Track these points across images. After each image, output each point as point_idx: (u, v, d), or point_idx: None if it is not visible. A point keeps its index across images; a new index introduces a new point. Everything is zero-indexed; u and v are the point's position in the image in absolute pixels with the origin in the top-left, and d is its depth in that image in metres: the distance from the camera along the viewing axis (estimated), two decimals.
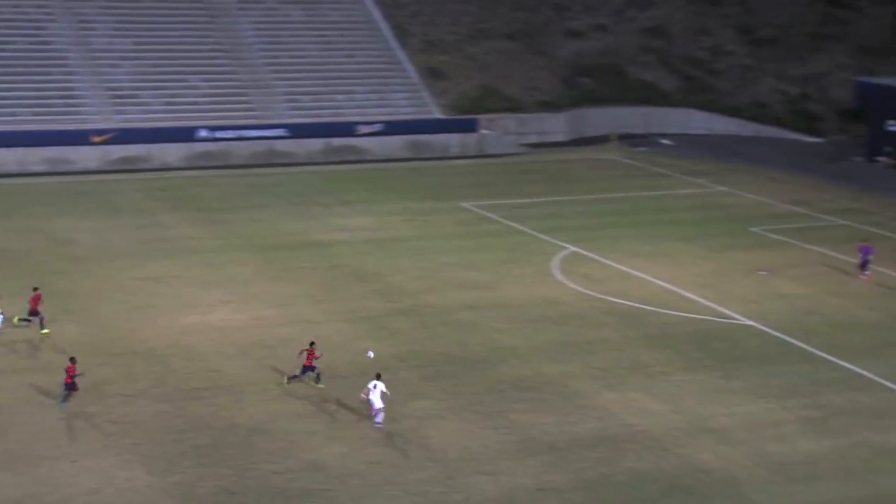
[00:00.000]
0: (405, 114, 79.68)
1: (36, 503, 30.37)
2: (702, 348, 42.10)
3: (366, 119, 77.80)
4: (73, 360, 35.98)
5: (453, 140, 78.65)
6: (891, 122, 76.55)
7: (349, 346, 41.72)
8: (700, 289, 49.03)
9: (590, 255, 54.23)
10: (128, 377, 37.95)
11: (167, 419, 35.34)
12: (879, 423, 35.91)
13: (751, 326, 44.70)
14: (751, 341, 43.06)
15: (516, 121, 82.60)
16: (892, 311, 46.70)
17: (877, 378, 39.53)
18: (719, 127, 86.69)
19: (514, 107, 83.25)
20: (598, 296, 48.05)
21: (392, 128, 77.55)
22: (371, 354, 38.15)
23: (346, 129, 76.86)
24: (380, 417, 34.95)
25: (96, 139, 71.94)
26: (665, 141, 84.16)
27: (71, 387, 35.53)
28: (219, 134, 74.52)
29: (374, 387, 35.10)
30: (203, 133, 74.29)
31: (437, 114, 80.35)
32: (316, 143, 76.00)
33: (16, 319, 41.74)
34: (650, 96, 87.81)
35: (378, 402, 34.94)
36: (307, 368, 37.63)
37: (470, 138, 79.05)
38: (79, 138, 71.59)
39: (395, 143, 77.30)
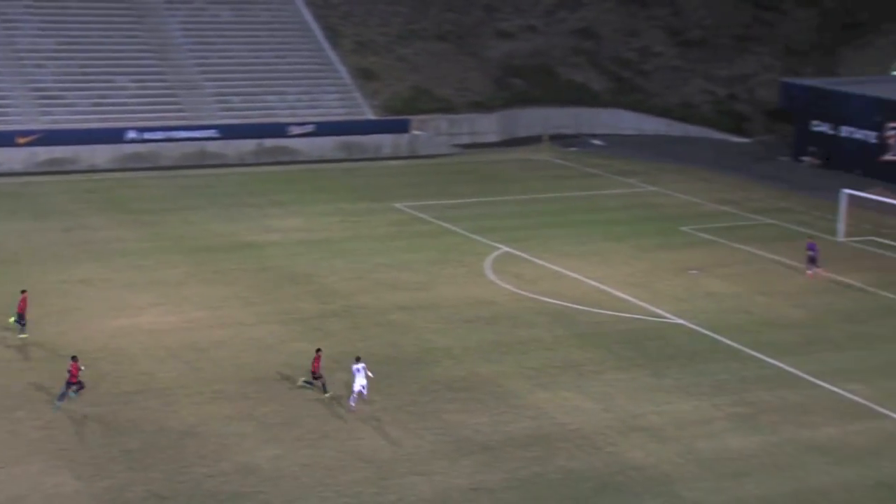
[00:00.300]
0: (337, 115, 79.46)
1: None
2: (633, 347, 42.52)
3: (297, 120, 77.47)
4: (74, 358, 35.95)
5: (385, 141, 78.61)
6: (816, 122, 77.86)
7: (282, 349, 41.54)
8: (631, 288, 49.51)
9: (522, 255, 54.51)
10: (56, 382, 37.40)
11: (96, 423, 34.91)
12: (806, 420, 36.54)
13: (681, 325, 45.24)
14: (681, 339, 43.58)
15: (448, 121, 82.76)
16: (819, 308, 47.53)
17: (804, 375, 40.21)
18: (649, 127, 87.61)
19: (445, 107, 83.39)
20: (531, 296, 48.32)
21: (324, 129, 77.31)
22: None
23: (278, 130, 76.48)
24: (352, 399, 36.11)
25: (21, 140, 70.84)
26: (596, 141, 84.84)
27: (78, 385, 35.56)
28: (148, 135, 73.77)
29: (358, 371, 36.17)
30: (131, 134, 73.48)
31: (369, 114, 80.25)
32: (247, 144, 75.52)
33: (11, 320, 41.36)
34: (581, 97, 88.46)
35: (359, 385, 36.01)
36: (315, 376, 37.34)
37: (402, 139, 79.06)
38: (4, 140, 70.48)
39: (327, 144, 77.06)
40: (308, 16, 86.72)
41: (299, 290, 48.33)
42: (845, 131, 75.79)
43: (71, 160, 71.29)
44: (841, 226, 58.32)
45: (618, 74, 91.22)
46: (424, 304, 46.80)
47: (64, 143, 71.40)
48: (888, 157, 72.42)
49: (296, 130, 76.75)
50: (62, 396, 35.74)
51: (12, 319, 41.63)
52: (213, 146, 74.71)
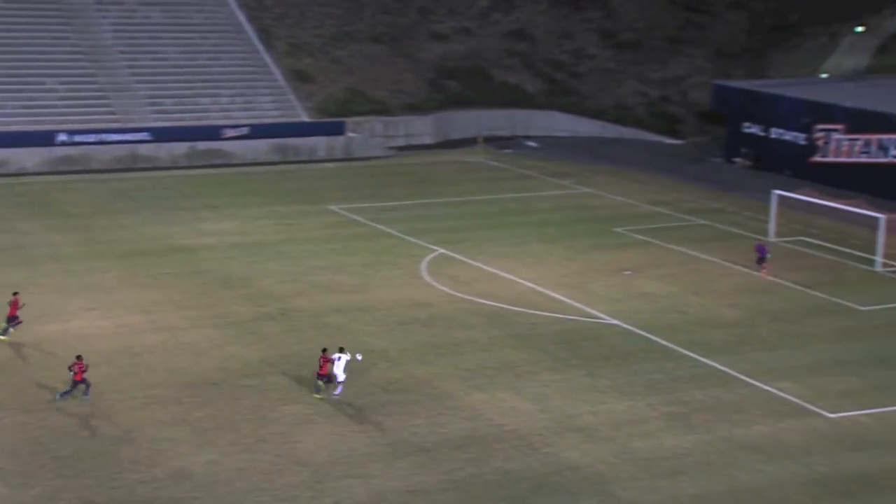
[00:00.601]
0: (271, 117, 79.07)
1: None
2: (568, 348, 42.77)
3: (231, 122, 76.98)
4: (79, 357, 36.29)
5: (320, 143, 78.35)
6: (747, 124, 78.89)
7: (216, 353, 41.23)
8: (566, 289, 49.81)
9: (457, 256, 54.61)
10: None
11: (27, 431, 34.39)
12: (739, 418, 37.00)
13: (615, 325, 45.59)
14: (616, 340, 43.92)
15: (383, 123, 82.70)
16: (751, 308, 48.16)
17: (736, 374, 40.72)
18: (583, 129, 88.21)
19: (380, 109, 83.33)
20: (466, 297, 48.41)
21: (258, 131, 76.89)
22: (359, 357, 38.33)
23: (212, 133, 75.91)
24: (339, 389, 36.78)
25: None
26: (530, 143, 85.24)
27: (83, 382, 35.99)
28: (78, 138, 72.84)
29: (339, 358, 36.83)
30: (62, 137, 72.54)
31: (304, 117, 79.93)
32: (180, 147, 74.86)
33: (11, 330, 41.31)
34: (515, 99, 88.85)
35: (341, 375, 36.72)
36: (322, 377, 37.35)
37: (337, 141, 78.86)
38: None
39: (261, 147, 76.63)
40: (241, 18, 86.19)
41: (233, 293, 47.99)
42: (775, 133, 76.91)
43: (0, 163, 70.16)
44: (772, 226, 59.16)
45: (551, 76, 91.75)
46: (360, 307, 46.71)
47: None
48: (817, 158, 73.62)
49: (229, 133, 76.23)
50: (65, 394, 36.08)
51: (12, 329, 41.55)
52: (145, 149, 73.97)
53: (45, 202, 63.22)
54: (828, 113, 73.74)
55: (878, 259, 54.21)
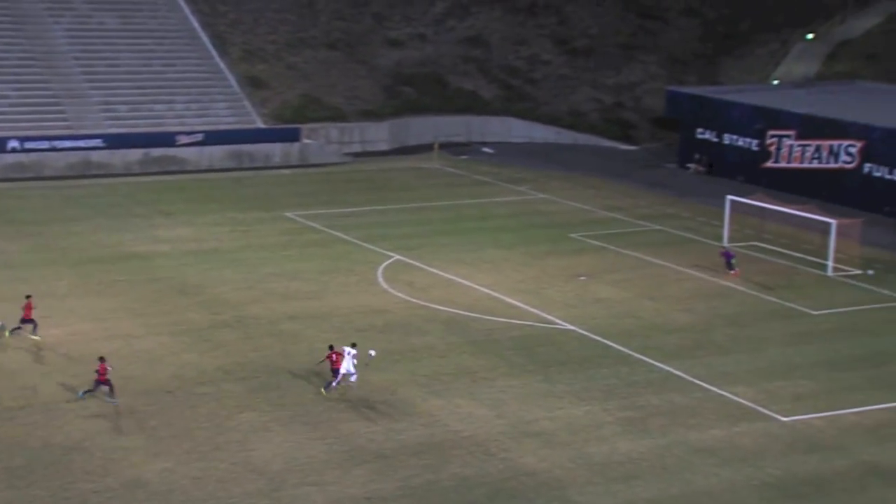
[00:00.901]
0: (226, 123, 78.65)
1: None
2: (524, 353, 42.84)
3: (186, 129, 76.47)
4: (102, 359, 36.95)
5: (276, 150, 78.03)
6: (700, 129, 79.48)
7: (171, 360, 40.92)
8: (522, 295, 49.91)
9: (414, 263, 54.58)
10: None
11: None
12: (694, 422, 37.22)
13: (571, 331, 45.74)
14: (572, 345, 44.06)
15: (339, 130, 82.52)
16: (705, 313, 48.49)
17: (691, 378, 40.97)
18: (538, 135, 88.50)
19: (336, 116, 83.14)
20: (423, 303, 48.38)
21: (213, 138, 76.44)
22: (373, 353, 39.10)
23: (166, 140, 75.38)
24: (334, 383, 37.76)
25: None
26: (486, 149, 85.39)
27: (106, 384, 36.61)
28: (30, 145, 72.06)
29: (349, 353, 37.74)
30: (13, 144, 71.75)
31: (259, 123, 79.58)
32: (134, 154, 74.28)
33: (7, 334, 42.02)
34: (471, 105, 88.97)
35: (351, 369, 37.67)
36: (336, 371, 37.97)
37: (292, 148, 78.58)
38: None
39: (216, 153, 76.20)
40: (195, 24, 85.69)
41: (189, 300, 47.66)
42: (728, 139, 77.54)
43: None
44: (725, 231, 59.61)
45: (507, 82, 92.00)
46: (316, 314, 46.54)
47: None
48: (770, 164, 74.30)
49: (184, 139, 75.74)
50: (87, 392, 36.79)
51: (8, 333, 42.18)
52: (98, 156, 73.31)
53: None
54: (779, 119, 74.46)
55: (830, 264, 54.79)
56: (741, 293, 51.28)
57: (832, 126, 71.41)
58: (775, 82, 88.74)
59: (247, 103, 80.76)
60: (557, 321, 46.72)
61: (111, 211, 63.15)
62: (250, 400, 37.75)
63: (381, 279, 51.87)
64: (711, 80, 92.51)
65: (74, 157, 72.69)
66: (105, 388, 36.89)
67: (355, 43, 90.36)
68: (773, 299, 50.53)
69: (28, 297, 42.66)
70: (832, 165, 71.06)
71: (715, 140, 78.49)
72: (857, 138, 69.76)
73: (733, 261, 53.65)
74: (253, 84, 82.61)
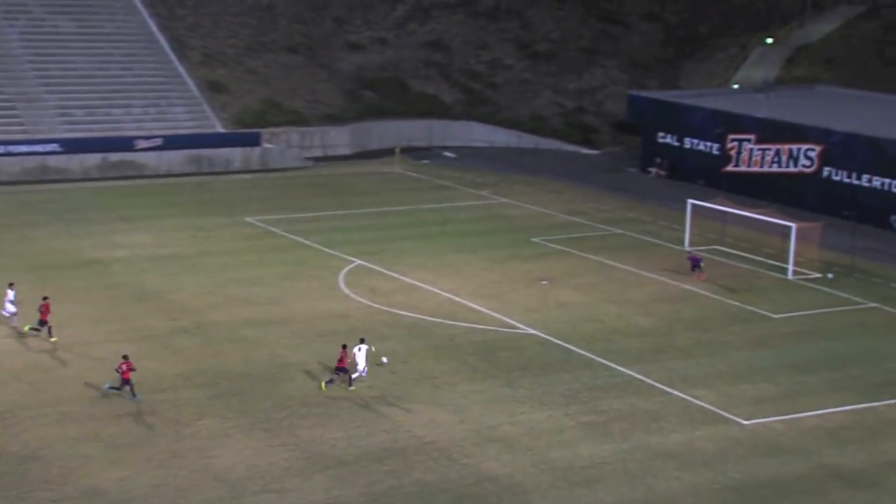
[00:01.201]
0: (186, 128, 78.22)
1: None
2: (487, 358, 42.89)
3: (144, 133, 75.98)
4: (126, 357, 37.56)
5: (236, 154, 77.70)
6: (661, 134, 79.93)
7: None
8: (484, 299, 49.97)
9: (376, 268, 54.51)
10: None
11: None
12: (656, 426, 37.40)
13: (533, 335, 45.84)
14: (534, 350, 44.15)
15: (300, 134, 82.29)
16: (667, 316, 48.73)
17: (653, 382, 41.17)
18: (500, 139, 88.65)
19: (297, 120, 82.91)
20: (385, 308, 48.33)
21: (172, 142, 75.99)
22: (385, 360, 40.58)
23: (124, 144, 74.86)
24: (354, 376, 38.91)
25: None
26: (448, 153, 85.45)
27: (128, 382, 37.24)
28: None
29: (360, 350, 39.16)
30: None
31: (219, 127, 79.22)
32: (92, 159, 73.68)
33: (26, 328, 42.84)
34: (432, 109, 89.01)
35: (362, 364, 39.00)
36: (340, 369, 38.99)
37: (253, 152, 78.27)
38: None
39: (175, 158, 75.76)
40: (153, 27, 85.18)
41: (148, 307, 47.35)
42: (689, 143, 78.04)
43: None
44: (687, 235, 59.98)
45: (469, 87, 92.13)
46: (277, 319, 46.37)
47: None
48: (730, 168, 74.84)
49: (143, 144, 75.23)
50: (112, 388, 37.69)
51: (27, 328, 42.92)
52: (55, 160, 72.67)
53: None
54: (740, 123, 75.03)
55: (790, 267, 55.25)
56: (703, 297, 51.59)
57: (792, 130, 72.06)
58: (735, 87, 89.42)
59: (206, 107, 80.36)
60: (520, 326, 46.80)
61: (69, 216, 62.63)
62: (210, 406, 37.55)
63: (342, 284, 51.76)
64: (672, 85, 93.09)
65: (31, 161, 72.02)
66: (126, 386, 37.45)
67: (316, 47, 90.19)
68: (735, 303, 50.88)
69: (45, 298, 43.04)
70: (792, 169, 71.69)
71: (676, 144, 78.98)
72: (817, 142, 70.42)
73: (701, 264, 53.88)
74: (213, 88, 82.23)
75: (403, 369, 41.39)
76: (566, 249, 59.09)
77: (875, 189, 67.15)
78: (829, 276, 55.27)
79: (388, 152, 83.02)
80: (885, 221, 65.95)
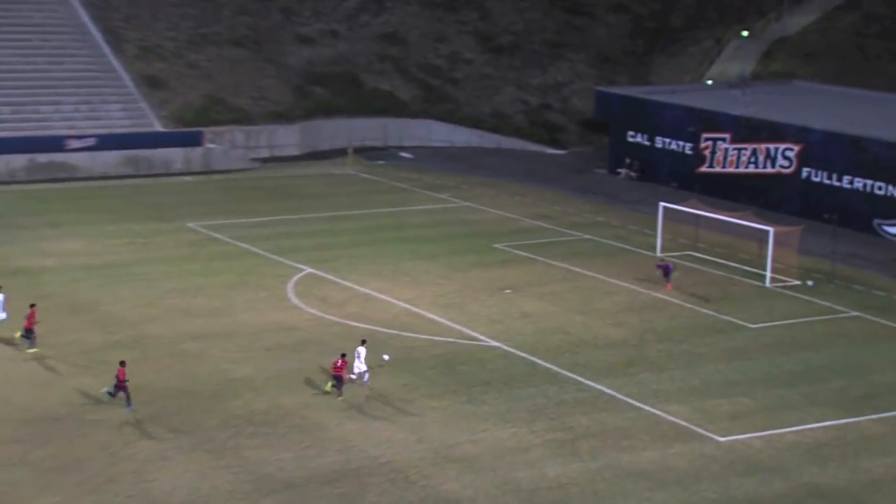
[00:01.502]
0: (121, 126, 77.82)
1: None
2: (446, 372, 42.96)
3: (76, 133, 75.51)
4: (122, 363, 38.41)
5: (176, 155, 77.39)
6: (631, 132, 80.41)
7: (61, 385, 40.33)
8: (444, 309, 50.05)
9: (327, 276, 54.45)
10: None
11: None
12: (626, 444, 37.60)
13: (496, 348, 45.96)
14: (497, 363, 44.27)
15: (245, 133, 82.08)
16: (638, 327, 49.03)
17: (623, 397, 41.40)
18: (460, 138, 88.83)
19: (242, 118, 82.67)
20: (338, 320, 48.28)
21: (107, 142, 75.58)
22: (386, 357, 41.92)
23: (54, 144, 74.35)
24: (366, 377, 40.53)
25: None
26: (404, 154, 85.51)
27: (124, 389, 38.15)
28: None
29: (358, 354, 40.39)
30: None
31: (158, 126, 78.87)
32: (18, 160, 73.13)
33: (18, 336, 43.33)
34: (388, 107, 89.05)
35: (363, 366, 40.33)
36: (339, 378, 40.02)
37: (195, 153, 77.99)
38: None
39: (110, 159, 75.34)
40: (86, 18, 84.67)
41: (81, 319, 47.04)
42: (661, 142, 78.57)
43: None
44: (658, 240, 60.37)
45: (426, 82, 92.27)
46: (222, 332, 46.22)
47: None
48: (704, 169, 75.41)
49: (74, 144, 74.77)
50: (110, 393, 38.56)
51: (19, 335, 43.25)
52: None
53: None
54: (714, 121, 75.65)
55: (768, 274, 55.74)
56: (675, 306, 51.95)
57: (769, 129, 72.73)
58: (709, 82, 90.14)
59: (144, 105, 79.98)
60: (481, 338, 46.91)
61: None
62: (148, 426, 37.35)
63: (291, 294, 51.67)
64: (643, 80, 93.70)
65: None
66: (119, 392, 38.09)
67: (262, 40, 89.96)
68: (709, 312, 51.26)
69: (32, 305, 43.28)
70: (769, 170, 72.36)
71: (647, 144, 79.48)
72: (795, 141, 71.12)
73: (673, 274, 54.06)
74: (150, 84, 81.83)
75: (356, 385, 41.34)
76: (531, 256, 59.29)
77: (857, 191, 67.91)
78: (809, 283, 55.82)
79: (341, 153, 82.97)
80: (868, 225, 66.71)
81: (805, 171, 70.45)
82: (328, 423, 38.24)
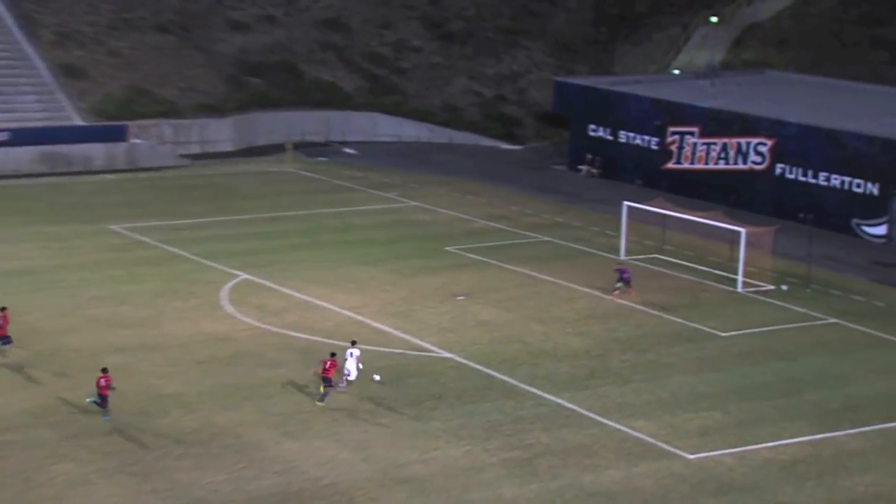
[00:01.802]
0: (36, 120, 77.36)
1: None
2: (394, 386, 42.98)
3: None
4: (105, 370, 39.16)
5: (98, 151, 76.96)
6: (593, 126, 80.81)
7: None
8: (391, 318, 50.07)
9: (265, 282, 54.34)
10: None
11: None
12: (588, 462, 37.79)
13: (448, 359, 46.04)
14: (449, 376, 44.35)
15: (174, 127, 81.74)
16: (600, 336, 49.29)
17: (584, 412, 41.59)
18: (408, 133, 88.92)
19: (169, 111, 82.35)
20: (276, 330, 48.19)
21: (20, 137, 75.12)
22: (377, 378, 42.35)
23: None
24: (342, 385, 41.48)
25: None
26: (348, 150, 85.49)
27: (104, 398, 38.90)
28: None
29: (351, 354, 41.46)
30: None
31: (77, 120, 78.45)
32: None
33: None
34: (330, 98, 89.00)
35: (353, 372, 41.54)
36: (328, 380, 40.87)
37: (118, 149, 77.59)
38: None
39: (24, 156, 74.85)
40: None
41: None
42: (624, 137, 79.03)
43: None
44: (622, 243, 60.70)
45: (371, 72, 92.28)
46: (149, 344, 46.01)
47: None
48: (671, 165, 75.93)
49: None
50: (95, 402, 38.99)
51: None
52: None
53: None
54: (681, 114, 76.21)
55: (740, 278, 56.20)
56: (641, 313, 52.26)
57: (740, 122, 73.37)
58: (676, 72, 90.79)
59: (61, 96, 79.51)
60: (432, 348, 46.98)
61: None
62: (67, 448, 37.09)
63: (225, 302, 51.52)
64: (605, 70, 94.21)
65: None
66: (100, 403, 38.91)
67: (191, 25, 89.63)
68: (677, 320, 51.61)
69: (3, 308, 43.65)
70: (741, 166, 72.97)
71: (609, 138, 79.93)
72: (768, 136, 71.78)
73: (619, 284, 53.79)
74: (68, 73, 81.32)
75: (298, 401, 41.31)
76: (485, 260, 59.44)
77: (834, 189, 68.60)
78: (784, 287, 56.35)
79: (279, 149, 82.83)
80: (846, 225, 67.44)
81: (779, 168, 71.10)
82: (266, 441, 38.16)
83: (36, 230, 61.75)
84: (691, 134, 75.28)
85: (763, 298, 55.10)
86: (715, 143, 74.07)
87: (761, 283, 56.52)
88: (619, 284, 53.88)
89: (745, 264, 56.23)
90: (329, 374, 40.89)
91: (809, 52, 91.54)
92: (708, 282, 57.15)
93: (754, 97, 78.29)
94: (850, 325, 51.94)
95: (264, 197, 71.60)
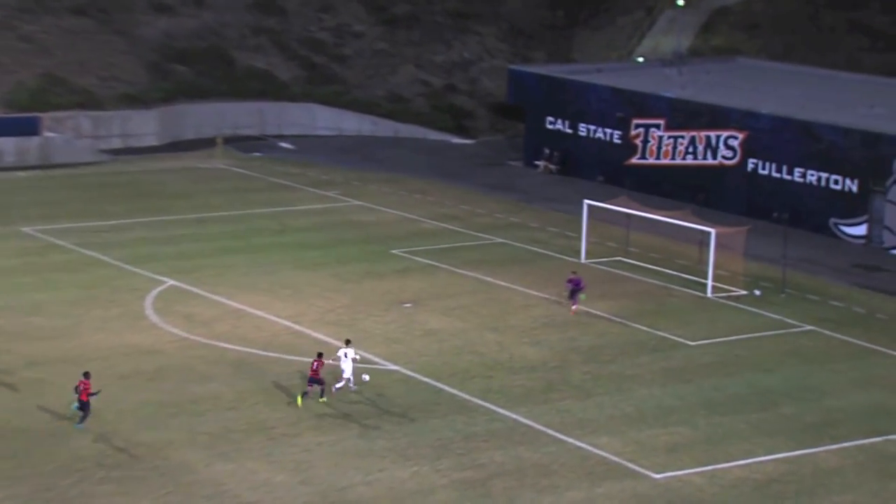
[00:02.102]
0: None
1: None
2: (334, 402, 42.90)
3: None
4: (87, 374, 39.71)
5: (7, 145, 76.57)
6: (550, 119, 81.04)
7: None
8: (332, 327, 50.00)
9: (193, 289, 54.14)
10: None
11: None
12: (547, 483, 37.86)
13: (394, 371, 46.02)
14: (395, 390, 44.32)
15: (92, 120, 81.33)
16: (560, 346, 49.42)
17: (542, 428, 41.67)
18: (350, 126, 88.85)
19: (88, 102, 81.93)
20: (206, 341, 48.02)
21: None
22: (366, 377, 43.30)
23: None
24: (339, 385, 42.69)
25: None
26: (285, 144, 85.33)
27: (85, 406, 39.43)
28: None
29: (345, 355, 42.70)
30: None
31: None
32: None
33: None
34: (264, 88, 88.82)
35: (348, 372, 42.65)
36: (314, 380, 42.10)
37: (30, 143, 77.17)
38: None
39: None
40: None
41: None
42: (584, 130, 79.28)
43: None
44: (583, 244, 60.89)
45: (309, 60, 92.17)
46: (65, 357, 45.71)
47: None
48: (635, 160, 76.25)
49: None
50: (82, 420, 39.64)
51: None
52: None
53: None
54: (646, 105, 76.55)
55: (710, 283, 56.50)
56: (603, 321, 52.44)
57: (709, 114, 73.79)
58: (640, 59, 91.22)
59: None
60: (377, 360, 46.95)
61: None
62: None
63: (150, 311, 51.29)
64: (564, 57, 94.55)
65: None
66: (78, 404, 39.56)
67: (111, 8, 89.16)
68: (642, 328, 51.83)
69: None
70: (710, 162, 73.40)
71: (568, 132, 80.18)
72: (739, 128, 72.23)
73: (580, 296, 53.19)
74: None
75: (230, 418, 41.18)
76: (434, 263, 59.48)
77: (811, 186, 69.10)
78: (757, 292, 56.70)
79: (208, 143, 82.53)
80: (824, 225, 67.95)
81: (751, 163, 71.55)
82: (195, 463, 37.99)
83: None
84: (657, 127, 75.64)
85: (735, 304, 55.44)
86: (682, 137, 74.46)
87: (733, 288, 56.86)
88: (583, 296, 53.19)
89: (716, 267, 56.54)
90: (317, 374, 41.90)
91: (783, 38, 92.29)
92: (675, 286, 57.45)
93: (724, 86, 78.79)
94: (829, 332, 52.34)
95: (193, 196, 71.31)
